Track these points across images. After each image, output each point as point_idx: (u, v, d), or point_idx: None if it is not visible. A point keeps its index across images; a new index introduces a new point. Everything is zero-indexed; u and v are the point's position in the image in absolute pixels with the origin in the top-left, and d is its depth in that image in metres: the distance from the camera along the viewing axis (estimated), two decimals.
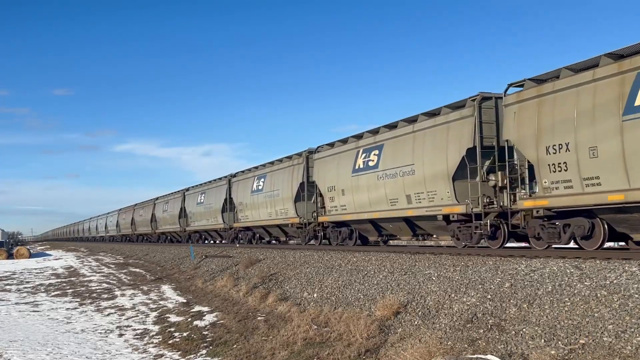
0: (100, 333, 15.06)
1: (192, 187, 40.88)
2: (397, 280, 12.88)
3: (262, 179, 27.58)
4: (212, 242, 38.43)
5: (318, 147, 23.29)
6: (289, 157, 25.63)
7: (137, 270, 32.38)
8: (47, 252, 74.01)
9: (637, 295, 8.19)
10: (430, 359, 8.45)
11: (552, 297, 9.12)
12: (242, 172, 31.46)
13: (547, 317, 8.64)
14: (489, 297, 10.09)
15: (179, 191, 43.90)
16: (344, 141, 21.29)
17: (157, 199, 50.48)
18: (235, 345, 11.92)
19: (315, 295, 14.57)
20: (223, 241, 35.64)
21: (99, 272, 33.57)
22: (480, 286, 10.68)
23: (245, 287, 17.52)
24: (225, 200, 32.28)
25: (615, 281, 8.87)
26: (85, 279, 30.01)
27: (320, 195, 22.40)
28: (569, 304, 8.73)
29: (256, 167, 29.55)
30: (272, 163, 27.40)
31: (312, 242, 24.10)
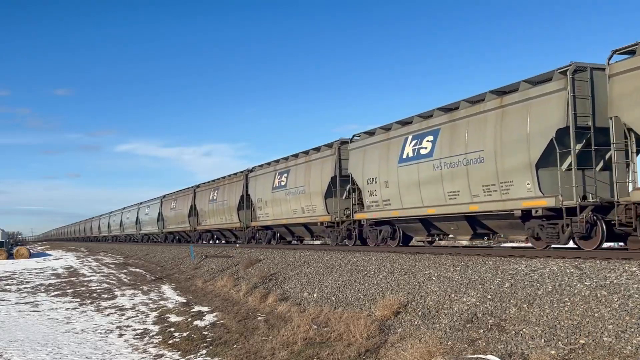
0: (100, 333, 15.05)
1: (168, 194, 46.01)
2: (397, 280, 12.88)
3: (216, 191, 33.70)
4: (184, 241, 43.16)
5: (254, 167, 29.36)
6: (235, 174, 31.63)
7: (137, 270, 32.39)
8: (47, 252, 74.00)
9: (637, 295, 8.18)
10: (430, 359, 8.45)
11: (552, 297, 9.12)
12: (204, 184, 37.72)
13: (547, 317, 8.64)
14: (489, 297, 10.08)
15: (156, 198, 48.92)
16: (269, 164, 27.57)
17: (140, 203, 54.81)
18: (235, 345, 11.92)
19: (315, 295, 14.57)
20: (193, 241, 40.09)
21: (99, 272, 33.57)
22: (480, 286, 10.68)
23: (245, 287, 17.51)
24: (191, 207, 38.30)
25: (615, 281, 8.87)
26: (85, 279, 30.01)
27: (253, 205, 28.54)
28: (569, 304, 8.72)
29: (213, 181, 35.52)
30: (224, 178, 33.44)
31: (252, 241, 29.90)
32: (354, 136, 20.50)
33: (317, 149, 23.08)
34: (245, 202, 29.55)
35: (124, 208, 63.83)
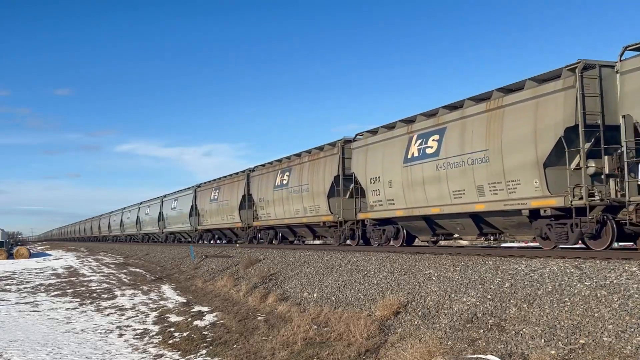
0: (100, 333, 15.05)
1: (204, 183, 44.45)
2: (397, 280, 12.87)
3: (287, 173, 29.61)
4: (228, 240, 40.23)
5: (357, 135, 21.03)
6: (321, 148, 25.96)
7: (137, 270, 32.40)
8: (47, 252, 74.01)
9: (637, 295, 8.18)
10: (430, 359, 8.45)
11: (552, 297, 9.12)
12: (262, 165, 33.57)
13: (547, 317, 8.64)
14: (489, 297, 10.08)
15: (188, 188, 49.46)
16: (375, 132, 19.48)
17: (164, 196, 53.02)
18: (235, 345, 11.92)
19: (315, 295, 14.57)
20: (246, 241, 38.20)
21: (99, 272, 33.58)
22: (480, 286, 10.67)
23: (245, 287, 17.50)
24: (243, 196, 33.70)
25: (615, 281, 8.87)
26: (85, 279, 30.01)
27: (364, 188, 20.17)
28: (569, 304, 8.72)
29: (279, 161, 31.21)
30: (298, 156, 27.69)
31: (350, 242, 25.10)
32: (625, 48, 12.79)
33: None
34: (342, 186, 20.91)
35: (141, 203, 56.43)
